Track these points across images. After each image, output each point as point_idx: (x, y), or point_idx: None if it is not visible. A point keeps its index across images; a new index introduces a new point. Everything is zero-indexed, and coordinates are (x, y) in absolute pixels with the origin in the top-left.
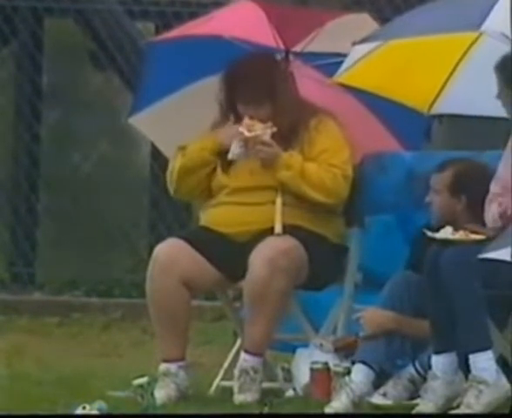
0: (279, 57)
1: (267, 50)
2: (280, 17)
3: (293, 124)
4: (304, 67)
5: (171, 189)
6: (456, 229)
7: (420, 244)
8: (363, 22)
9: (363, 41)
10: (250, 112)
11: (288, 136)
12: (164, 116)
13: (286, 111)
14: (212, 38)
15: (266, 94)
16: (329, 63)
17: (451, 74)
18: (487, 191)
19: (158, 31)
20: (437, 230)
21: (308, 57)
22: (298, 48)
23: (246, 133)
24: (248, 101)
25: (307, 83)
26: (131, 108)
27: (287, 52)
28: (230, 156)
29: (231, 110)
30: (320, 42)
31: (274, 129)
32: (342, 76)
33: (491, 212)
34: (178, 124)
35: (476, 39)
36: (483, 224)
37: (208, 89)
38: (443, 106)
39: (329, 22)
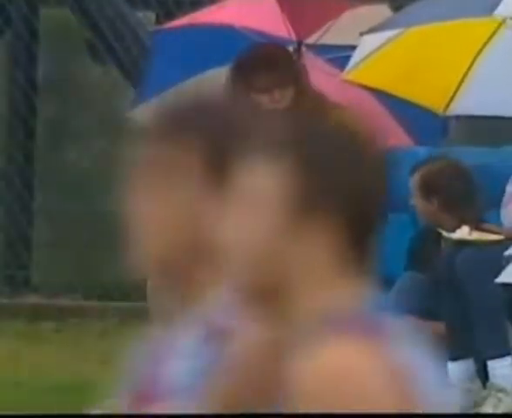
0: (291, 49)
1: (279, 41)
2: (294, 7)
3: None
4: (317, 59)
5: None
6: (446, 229)
7: (416, 243)
8: (381, 13)
9: (372, 31)
10: (272, 96)
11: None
12: None
13: (305, 101)
14: (222, 27)
15: (289, 78)
16: (343, 56)
17: (468, 70)
18: (460, 188)
19: (158, 20)
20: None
21: (321, 50)
22: (311, 40)
23: None
24: (268, 85)
25: (320, 76)
26: (133, 99)
27: (300, 44)
28: None
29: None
30: (334, 33)
31: None
32: (351, 72)
33: (509, 212)
34: None
35: (496, 30)
36: (461, 220)
37: (216, 80)
38: (460, 107)
39: (345, 13)
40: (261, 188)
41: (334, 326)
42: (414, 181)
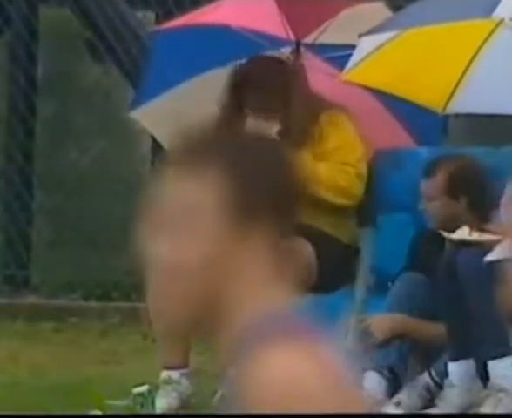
0: (289, 49)
1: (277, 43)
2: (292, 7)
3: (304, 121)
4: (315, 59)
5: None
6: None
7: (418, 244)
8: (379, 11)
9: (370, 32)
10: (260, 118)
11: (299, 134)
12: (167, 110)
13: (298, 113)
14: (218, 28)
15: (280, 103)
16: (342, 55)
17: (467, 69)
18: (484, 187)
19: (158, 20)
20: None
21: (320, 49)
22: (309, 39)
23: None
24: (260, 109)
25: (318, 76)
26: (132, 101)
27: (298, 44)
28: None
29: (237, 112)
30: (333, 33)
31: (280, 127)
32: (350, 72)
33: (509, 212)
34: (182, 118)
35: (494, 30)
36: (486, 221)
37: (214, 81)
38: (459, 105)
39: (343, 11)
40: (194, 202)
41: (275, 331)
42: (436, 181)
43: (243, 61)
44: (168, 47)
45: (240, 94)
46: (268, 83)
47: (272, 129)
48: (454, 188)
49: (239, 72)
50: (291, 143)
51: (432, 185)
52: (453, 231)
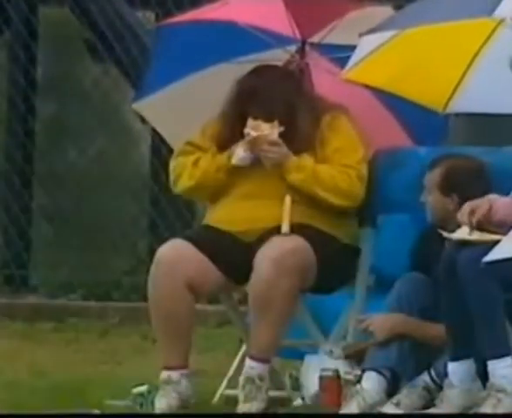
0: (294, 47)
1: (283, 41)
2: (299, 6)
3: (308, 127)
4: (320, 59)
5: (173, 189)
6: (452, 228)
7: (419, 243)
8: (385, 14)
9: (371, 32)
10: (263, 125)
11: (303, 139)
12: (170, 103)
13: (303, 119)
14: (225, 24)
15: (284, 114)
16: (347, 56)
17: (468, 68)
18: (480, 188)
19: (158, 20)
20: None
21: (326, 49)
22: (315, 39)
23: (253, 133)
24: (263, 120)
25: (322, 76)
26: (136, 93)
27: (304, 43)
28: (234, 161)
29: (239, 121)
30: (339, 33)
31: (282, 128)
32: (350, 71)
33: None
34: (185, 112)
35: (495, 29)
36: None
37: (218, 76)
38: (460, 104)
39: (351, 13)
40: None
41: None
42: (433, 175)
43: (248, 58)
44: (174, 41)
45: (244, 104)
46: (272, 94)
47: (274, 130)
48: (447, 185)
49: (243, 82)
50: (294, 147)
51: (429, 179)
52: (450, 227)
